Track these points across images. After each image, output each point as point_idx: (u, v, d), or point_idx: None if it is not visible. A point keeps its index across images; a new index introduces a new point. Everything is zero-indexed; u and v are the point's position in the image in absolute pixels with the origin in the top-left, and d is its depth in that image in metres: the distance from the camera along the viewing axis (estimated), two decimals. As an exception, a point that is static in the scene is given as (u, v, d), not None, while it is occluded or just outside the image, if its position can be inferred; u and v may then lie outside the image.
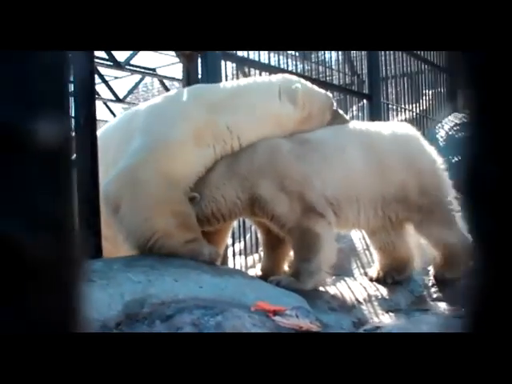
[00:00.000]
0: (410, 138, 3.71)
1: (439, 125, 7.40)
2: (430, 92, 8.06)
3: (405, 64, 7.42)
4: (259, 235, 3.94)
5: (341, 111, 3.86)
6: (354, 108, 6.59)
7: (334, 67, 6.48)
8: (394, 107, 7.07)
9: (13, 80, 0.52)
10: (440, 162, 3.73)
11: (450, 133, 7.07)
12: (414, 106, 7.53)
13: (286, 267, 3.64)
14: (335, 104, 3.84)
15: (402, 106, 7.27)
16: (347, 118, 3.86)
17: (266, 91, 3.46)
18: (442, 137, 7.02)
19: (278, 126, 3.45)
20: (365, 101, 6.51)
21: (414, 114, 7.39)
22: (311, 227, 3.28)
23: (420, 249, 3.73)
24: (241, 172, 3.33)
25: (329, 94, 3.83)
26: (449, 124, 7.30)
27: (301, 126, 3.52)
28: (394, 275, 3.68)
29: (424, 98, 7.90)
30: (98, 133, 3.21)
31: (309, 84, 3.69)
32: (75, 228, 0.56)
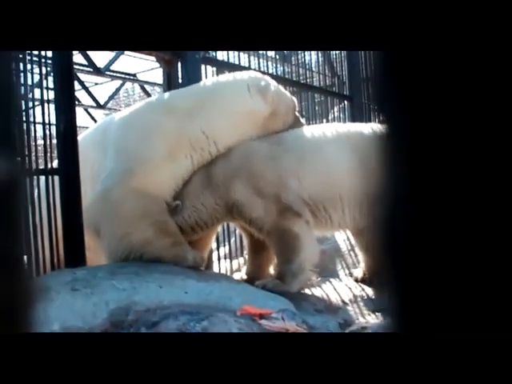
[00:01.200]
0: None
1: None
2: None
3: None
4: (244, 239, 3.94)
5: (301, 119, 3.89)
6: (336, 109, 6.62)
7: (314, 69, 6.50)
8: (375, 108, 7.11)
9: None
10: None
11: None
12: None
13: (271, 270, 3.64)
14: (297, 109, 3.86)
15: (383, 106, 7.30)
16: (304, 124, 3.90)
17: (235, 88, 3.45)
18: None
19: (250, 123, 3.44)
20: (346, 102, 6.53)
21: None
22: (289, 227, 3.27)
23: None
24: (217, 178, 3.32)
25: (293, 98, 3.86)
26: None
27: (267, 123, 3.51)
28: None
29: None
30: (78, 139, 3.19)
31: (274, 82, 3.70)
32: (21, 264, 0.55)
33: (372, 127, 3.71)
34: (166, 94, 3.62)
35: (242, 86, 3.44)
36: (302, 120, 3.89)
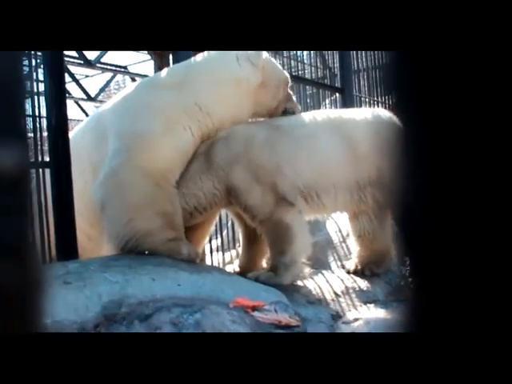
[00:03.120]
0: (387, 123, 3.69)
1: (411, 116, 7.47)
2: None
3: (376, 56, 7.47)
4: (238, 230, 3.93)
5: (294, 98, 3.88)
6: (327, 101, 6.62)
7: (305, 61, 6.49)
8: (367, 100, 7.12)
9: None
10: None
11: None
12: (386, 98, 7.59)
13: (264, 263, 3.64)
14: (290, 89, 3.86)
15: (375, 98, 7.32)
16: (299, 106, 3.87)
17: (223, 57, 3.44)
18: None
19: (241, 92, 3.42)
20: (337, 94, 6.53)
21: (387, 106, 7.44)
22: (282, 218, 3.27)
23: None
24: (216, 162, 3.32)
25: (286, 74, 3.85)
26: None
27: (257, 93, 3.50)
28: (373, 268, 3.68)
29: (396, 89, 7.95)
30: (70, 134, 3.17)
31: (267, 54, 3.70)
32: (33, 252, 0.55)
33: (364, 113, 3.71)
34: (153, 75, 3.63)
35: (230, 55, 3.43)
36: (295, 100, 3.88)
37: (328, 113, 3.72)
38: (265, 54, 3.61)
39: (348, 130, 3.53)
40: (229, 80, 3.38)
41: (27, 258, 0.54)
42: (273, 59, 3.78)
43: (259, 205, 3.26)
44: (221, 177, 3.31)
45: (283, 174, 3.31)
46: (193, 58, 3.55)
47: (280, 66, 3.84)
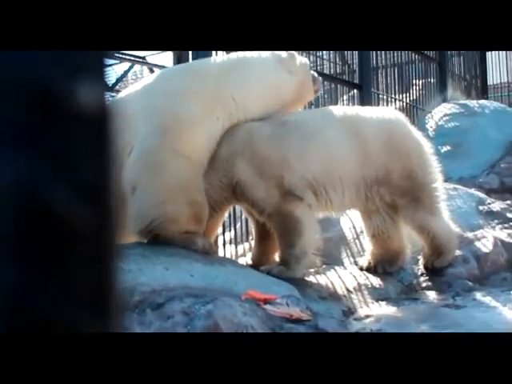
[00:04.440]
0: (396, 123, 3.69)
1: (429, 115, 7.42)
2: (420, 82, 8.07)
3: (395, 54, 7.42)
4: (250, 223, 3.94)
5: (313, 73, 3.98)
6: (345, 98, 6.59)
7: (324, 57, 6.46)
8: (384, 97, 7.08)
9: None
10: (428, 147, 3.72)
11: (440, 123, 7.08)
12: (403, 95, 7.54)
13: (276, 257, 3.64)
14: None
15: (392, 95, 7.28)
16: (320, 79, 3.98)
17: (262, 61, 3.51)
18: (431, 127, 7.04)
19: (280, 96, 3.53)
20: (355, 90, 6.50)
21: (404, 103, 7.40)
22: (290, 211, 3.27)
23: (410, 237, 3.73)
24: (221, 156, 3.31)
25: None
26: (438, 114, 7.31)
27: (298, 93, 3.63)
28: (386, 266, 3.67)
29: (414, 87, 7.90)
30: None
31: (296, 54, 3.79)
32: (115, 198, 0.56)
33: (375, 112, 3.71)
34: (189, 63, 3.68)
35: (268, 59, 3.52)
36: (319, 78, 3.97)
37: (338, 109, 3.73)
38: (298, 56, 3.71)
39: (357, 127, 3.54)
40: (269, 83, 3.48)
41: (109, 200, 0.56)
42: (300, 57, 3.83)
43: (265, 198, 3.27)
44: (226, 171, 3.31)
45: (290, 167, 3.31)
46: (233, 54, 3.60)
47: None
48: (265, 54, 3.55)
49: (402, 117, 3.80)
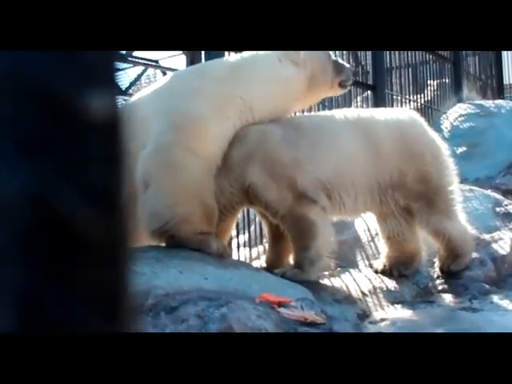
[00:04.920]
0: (411, 124, 3.63)
1: (444, 115, 7.37)
2: (435, 82, 8.02)
3: (409, 54, 7.38)
4: (264, 226, 3.92)
5: (340, 61, 3.86)
6: (359, 99, 6.56)
7: (337, 58, 6.44)
8: (399, 98, 7.04)
9: (60, 54, 0.53)
10: (444, 148, 3.66)
11: (455, 123, 7.03)
12: (418, 96, 7.50)
13: (290, 259, 3.62)
14: (333, 56, 3.82)
15: (407, 96, 7.24)
16: (349, 67, 3.86)
17: (265, 59, 3.46)
18: (446, 128, 6.99)
19: (287, 92, 3.46)
20: (369, 92, 6.47)
21: (419, 104, 7.36)
22: (304, 214, 3.24)
23: (426, 240, 3.69)
24: (232, 161, 3.29)
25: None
26: (453, 115, 7.26)
27: (309, 88, 3.54)
28: (401, 269, 3.64)
29: (428, 88, 7.86)
30: None
31: None
32: (127, 202, 0.56)
33: (389, 114, 3.67)
34: (204, 64, 3.67)
35: (273, 56, 3.47)
36: (348, 66, 3.88)
37: (350, 112, 3.68)
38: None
39: (371, 130, 3.50)
40: (273, 80, 3.41)
41: (121, 207, 0.55)
42: None
43: (278, 200, 3.24)
44: (237, 175, 3.28)
45: (303, 169, 3.29)
46: (240, 55, 3.59)
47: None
48: (271, 51, 3.51)
49: (417, 117, 3.74)
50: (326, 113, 3.58)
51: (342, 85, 3.70)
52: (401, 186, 3.45)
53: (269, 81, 3.41)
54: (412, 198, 3.47)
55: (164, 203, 3.04)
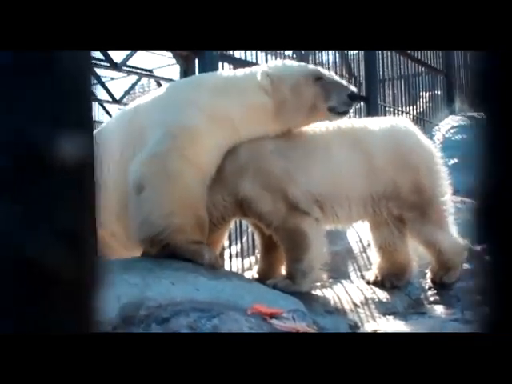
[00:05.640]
0: (405, 134, 3.61)
1: (436, 127, 7.41)
2: (427, 94, 8.07)
3: (402, 66, 7.43)
4: (256, 237, 3.92)
5: (336, 84, 3.42)
6: (351, 110, 6.59)
7: (331, 70, 6.47)
8: (391, 109, 7.07)
9: (35, 100, 0.53)
10: (438, 157, 3.64)
11: (447, 135, 7.07)
12: (410, 108, 7.54)
13: (282, 270, 3.62)
14: (320, 69, 3.56)
15: (399, 108, 7.28)
16: (345, 92, 3.40)
17: (241, 81, 3.42)
18: (438, 139, 7.03)
19: (262, 116, 3.34)
20: (362, 103, 6.50)
21: (411, 116, 7.40)
22: (297, 225, 3.25)
23: (417, 251, 3.70)
24: (224, 174, 3.30)
25: (307, 65, 3.72)
26: (446, 126, 7.30)
27: (280, 113, 3.35)
28: (393, 280, 3.64)
29: (421, 100, 7.91)
30: (95, 133, 3.19)
31: (286, 63, 3.55)
32: (96, 241, 0.57)
33: (382, 123, 3.65)
34: (197, 76, 3.65)
35: (247, 79, 3.41)
36: (339, 79, 3.55)
37: (343, 122, 3.61)
38: (274, 69, 3.45)
39: (363, 141, 3.48)
40: (246, 106, 3.33)
41: (90, 246, 0.56)
42: (290, 62, 3.65)
43: (271, 211, 3.25)
44: (230, 189, 3.29)
45: (295, 181, 3.29)
46: (229, 72, 3.59)
47: (299, 64, 3.66)
48: (250, 72, 3.46)
49: (411, 126, 3.71)
50: (318, 124, 3.55)
51: (331, 111, 3.36)
52: (395, 197, 3.44)
53: (244, 107, 3.32)
54: (405, 208, 3.47)
55: (159, 212, 3.04)
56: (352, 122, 3.70)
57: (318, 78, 3.39)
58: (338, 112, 3.37)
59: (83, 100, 0.57)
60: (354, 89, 3.55)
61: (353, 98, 3.41)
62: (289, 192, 3.26)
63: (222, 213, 3.34)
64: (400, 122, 3.73)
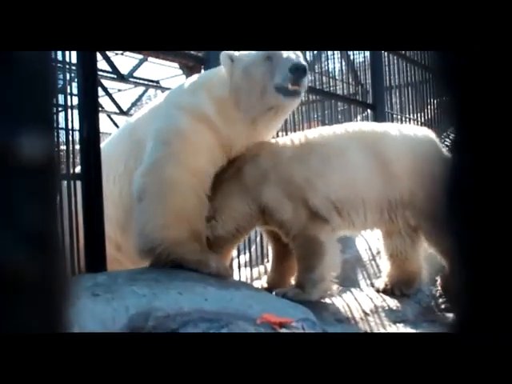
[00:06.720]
0: (425, 143, 3.55)
1: (444, 134, 7.37)
2: (435, 101, 8.04)
3: (409, 73, 7.41)
4: (269, 246, 3.90)
5: (287, 61, 3.07)
6: (359, 118, 6.58)
7: (337, 77, 6.47)
8: (399, 117, 7.05)
9: None
10: None
11: (455, 142, 7.02)
12: (418, 115, 7.51)
13: (292, 280, 3.60)
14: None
15: (407, 115, 7.25)
16: (290, 56, 3.07)
17: (214, 78, 3.41)
18: (447, 146, 6.99)
19: (227, 110, 3.28)
20: (369, 110, 6.49)
21: (419, 123, 7.37)
22: (315, 235, 3.25)
23: (428, 258, 3.66)
24: (247, 183, 3.32)
25: None
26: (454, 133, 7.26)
27: (238, 101, 3.26)
28: (403, 288, 3.61)
29: (428, 107, 7.88)
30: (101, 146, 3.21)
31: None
32: (60, 243, 0.56)
33: (399, 129, 3.60)
34: (184, 82, 3.65)
35: (217, 75, 3.40)
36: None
37: (361, 127, 3.59)
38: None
39: (381, 147, 3.43)
40: (214, 98, 3.31)
41: (54, 253, 0.55)
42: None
43: (292, 219, 3.25)
44: (254, 196, 3.31)
45: (314, 188, 3.29)
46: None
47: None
48: (218, 70, 3.39)
49: (432, 136, 3.65)
50: (336, 128, 3.52)
51: (279, 91, 3.08)
52: (411, 206, 3.39)
53: (211, 99, 3.30)
54: (423, 218, 3.41)
55: (154, 223, 3.05)
56: (373, 125, 3.66)
57: (268, 58, 3.13)
58: (286, 91, 3.07)
59: (45, 100, 0.56)
60: (300, 61, 3.10)
61: (294, 70, 3.01)
62: (309, 199, 3.26)
63: (248, 221, 3.37)
64: (422, 131, 3.67)
